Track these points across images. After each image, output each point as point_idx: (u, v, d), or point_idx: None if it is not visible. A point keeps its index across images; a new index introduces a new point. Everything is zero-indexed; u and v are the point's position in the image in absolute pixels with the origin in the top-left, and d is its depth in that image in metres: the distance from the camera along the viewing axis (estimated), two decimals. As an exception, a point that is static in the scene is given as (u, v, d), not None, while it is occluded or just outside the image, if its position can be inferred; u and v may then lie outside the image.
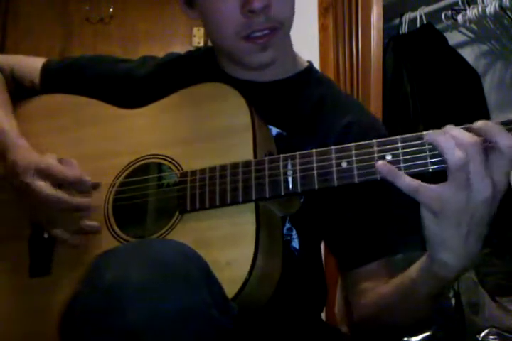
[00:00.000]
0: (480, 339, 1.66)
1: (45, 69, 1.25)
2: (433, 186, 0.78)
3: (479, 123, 0.77)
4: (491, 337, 1.66)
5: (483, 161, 0.75)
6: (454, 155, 0.75)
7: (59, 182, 1.01)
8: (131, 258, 0.73)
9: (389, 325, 1.01)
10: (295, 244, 1.07)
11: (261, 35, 1.01)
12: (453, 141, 0.76)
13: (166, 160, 1.01)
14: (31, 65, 1.26)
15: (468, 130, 0.78)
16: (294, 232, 1.06)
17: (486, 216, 0.78)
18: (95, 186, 1.03)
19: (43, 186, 0.99)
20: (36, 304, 1.01)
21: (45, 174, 1.00)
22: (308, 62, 1.20)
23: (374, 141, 0.84)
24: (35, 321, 1.00)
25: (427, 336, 1.71)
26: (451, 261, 0.81)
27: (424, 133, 0.80)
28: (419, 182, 0.78)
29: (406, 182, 0.78)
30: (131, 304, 0.68)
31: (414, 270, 0.88)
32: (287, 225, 1.05)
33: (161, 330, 0.67)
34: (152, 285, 0.69)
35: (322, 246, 1.21)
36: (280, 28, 1.03)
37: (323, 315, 1.24)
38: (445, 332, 1.72)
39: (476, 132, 0.77)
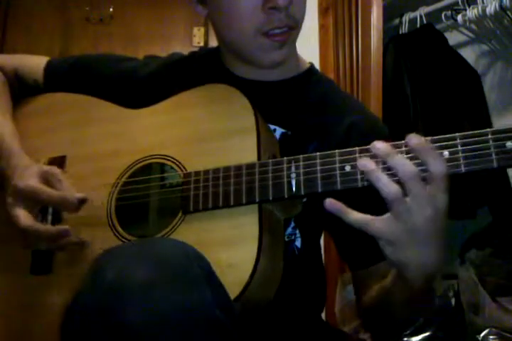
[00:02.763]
0: (480, 339, 1.67)
1: (49, 68, 1.25)
2: (379, 218, 0.79)
3: (413, 141, 0.77)
4: (491, 337, 1.66)
5: (422, 187, 0.76)
6: (390, 190, 0.76)
7: (44, 205, 1.02)
8: (133, 257, 0.73)
9: (376, 323, 1.04)
10: (297, 242, 1.07)
11: (280, 33, 1.02)
12: (385, 176, 0.77)
13: (169, 160, 1.01)
14: (34, 63, 1.26)
15: (399, 146, 0.80)
16: (298, 231, 1.07)
17: (435, 229, 0.79)
18: (83, 201, 1.02)
19: (21, 216, 0.99)
20: (37, 302, 1.01)
21: (28, 198, 1.00)
22: (310, 63, 1.21)
23: None
24: (36, 319, 1.00)
25: (427, 336, 1.71)
26: (416, 273, 0.82)
27: (429, 138, 0.80)
28: (367, 216, 0.79)
29: (354, 217, 0.80)
30: (132, 303, 0.67)
31: (390, 275, 0.91)
32: (292, 224, 1.06)
33: (163, 330, 0.67)
34: (154, 284, 0.69)
35: (322, 247, 1.21)
36: (296, 27, 1.05)
37: (323, 315, 1.24)
38: (445, 332, 1.73)
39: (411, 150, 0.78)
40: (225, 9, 1.03)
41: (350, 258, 1.10)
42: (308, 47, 2.27)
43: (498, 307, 1.75)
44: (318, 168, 0.87)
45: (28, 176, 1.01)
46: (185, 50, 1.29)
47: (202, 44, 2.68)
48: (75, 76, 1.23)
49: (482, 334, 1.67)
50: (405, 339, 1.70)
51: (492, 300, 1.76)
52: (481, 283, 1.79)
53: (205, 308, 0.71)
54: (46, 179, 1.02)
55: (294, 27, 1.04)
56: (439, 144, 0.78)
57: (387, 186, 0.76)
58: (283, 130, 1.08)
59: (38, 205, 1.02)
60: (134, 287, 0.69)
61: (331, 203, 0.80)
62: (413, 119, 2.31)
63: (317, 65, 2.17)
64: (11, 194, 1.01)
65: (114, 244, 0.95)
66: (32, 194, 0.99)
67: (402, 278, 0.85)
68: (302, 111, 1.11)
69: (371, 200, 1.03)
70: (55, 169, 1.05)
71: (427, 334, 1.71)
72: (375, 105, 2.22)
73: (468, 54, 2.43)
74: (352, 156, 0.85)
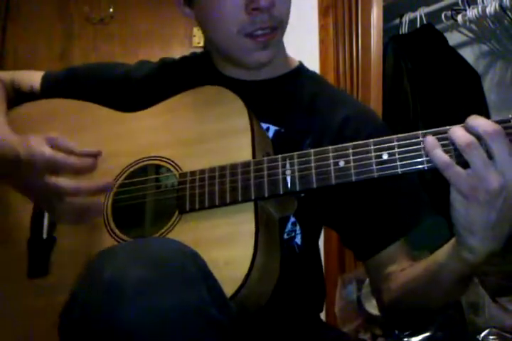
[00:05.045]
0: (480, 339, 1.66)
1: (46, 76, 1.27)
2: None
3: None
4: (491, 337, 1.66)
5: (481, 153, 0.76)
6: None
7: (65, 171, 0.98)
8: (129, 257, 0.73)
9: (417, 308, 1.01)
10: (298, 239, 1.08)
11: (263, 34, 1.02)
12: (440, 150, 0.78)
13: (165, 161, 1.01)
14: (31, 74, 1.28)
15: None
16: (298, 227, 1.07)
17: None
18: (97, 155, 1.02)
19: (61, 181, 0.96)
20: (34, 305, 1.01)
21: (47, 167, 0.96)
22: (299, 61, 1.22)
23: (370, 140, 0.85)
24: (33, 321, 1.00)
25: (427, 336, 1.71)
26: (478, 246, 0.81)
27: (420, 132, 0.82)
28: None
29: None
30: (129, 302, 0.67)
31: (441, 254, 0.89)
32: (292, 219, 1.06)
33: (159, 329, 0.67)
34: (150, 283, 0.69)
35: (322, 247, 1.21)
36: (280, 27, 1.05)
37: (322, 315, 1.24)
38: (445, 332, 1.72)
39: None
40: (209, 11, 1.04)
41: (359, 247, 1.10)
42: (308, 47, 2.28)
43: (498, 307, 1.74)
44: (313, 164, 0.88)
45: (39, 145, 0.98)
46: (185, 50, 1.30)
47: (202, 44, 2.67)
48: (70, 84, 1.24)
49: (482, 334, 1.66)
50: (405, 339, 1.69)
51: (492, 300, 1.75)
52: (481, 283, 1.79)
53: (202, 307, 0.71)
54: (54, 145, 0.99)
55: (277, 27, 1.04)
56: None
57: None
58: (276, 127, 1.09)
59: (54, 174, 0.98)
60: (130, 286, 0.69)
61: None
62: (413, 119, 2.32)
63: (317, 65, 2.18)
64: (34, 168, 0.96)
65: (111, 245, 0.94)
66: (53, 162, 0.96)
67: (460, 254, 0.83)
68: (294, 108, 1.12)
69: (371, 182, 1.04)
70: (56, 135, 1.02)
71: (426, 334, 1.71)
72: (375, 105, 2.23)
73: (468, 54, 2.43)
74: (345, 152, 0.86)
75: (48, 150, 0.97)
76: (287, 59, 1.19)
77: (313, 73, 1.23)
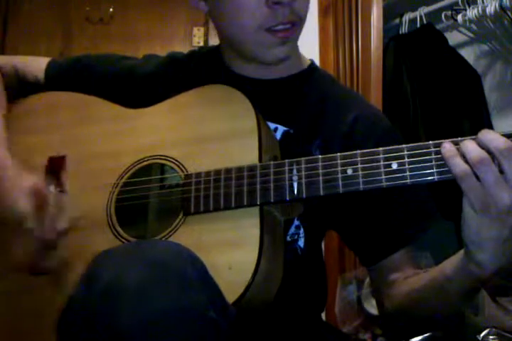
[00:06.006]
0: (480, 339, 1.66)
1: (51, 65, 1.24)
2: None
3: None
4: (490, 337, 1.66)
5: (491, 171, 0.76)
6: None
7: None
8: (128, 259, 0.74)
9: (420, 318, 1.01)
10: (300, 242, 1.07)
11: (283, 29, 1.01)
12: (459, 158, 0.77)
13: (170, 161, 1.01)
14: (36, 62, 1.26)
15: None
16: (302, 230, 1.06)
17: None
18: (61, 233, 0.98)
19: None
20: (36, 302, 1.01)
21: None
22: (310, 60, 1.20)
23: (380, 148, 0.84)
24: (33, 319, 1.00)
25: (427, 336, 1.71)
26: (487, 261, 0.80)
27: (431, 142, 0.81)
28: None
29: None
30: (127, 305, 0.68)
31: (448, 266, 0.88)
32: (296, 223, 1.05)
33: (157, 331, 0.68)
34: (148, 286, 0.69)
35: (322, 247, 1.21)
36: (299, 23, 1.04)
37: (323, 315, 1.24)
38: (445, 332, 1.72)
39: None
40: (227, 4, 1.02)
41: (364, 253, 1.10)
42: (308, 48, 2.26)
43: (498, 307, 1.74)
44: (320, 171, 0.87)
45: (18, 197, 0.96)
46: (185, 50, 1.28)
47: (202, 44, 2.68)
48: (75, 74, 1.23)
49: (482, 334, 1.66)
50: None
51: (492, 300, 1.75)
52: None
53: (199, 309, 0.71)
54: (35, 197, 0.98)
55: (297, 23, 1.03)
56: None
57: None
58: (285, 128, 1.08)
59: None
60: (128, 289, 0.69)
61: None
62: (413, 119, 2.31)
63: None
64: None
65: (114, 244, 0.94)
66: (19, 219, 0.95)
67: (468, 268, 0.83)
68: (304, 109, 1.10)
69: (371, 201, 1.04)
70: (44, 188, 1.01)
71: (427, 334, 1.71)
72: (375, 105, 2.22)
73: (469, 54, 2.42)
74: (354, 159, 0.85)
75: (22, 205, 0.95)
76: (300, 57, 1.18)
77: (324, 73, 1.21)
